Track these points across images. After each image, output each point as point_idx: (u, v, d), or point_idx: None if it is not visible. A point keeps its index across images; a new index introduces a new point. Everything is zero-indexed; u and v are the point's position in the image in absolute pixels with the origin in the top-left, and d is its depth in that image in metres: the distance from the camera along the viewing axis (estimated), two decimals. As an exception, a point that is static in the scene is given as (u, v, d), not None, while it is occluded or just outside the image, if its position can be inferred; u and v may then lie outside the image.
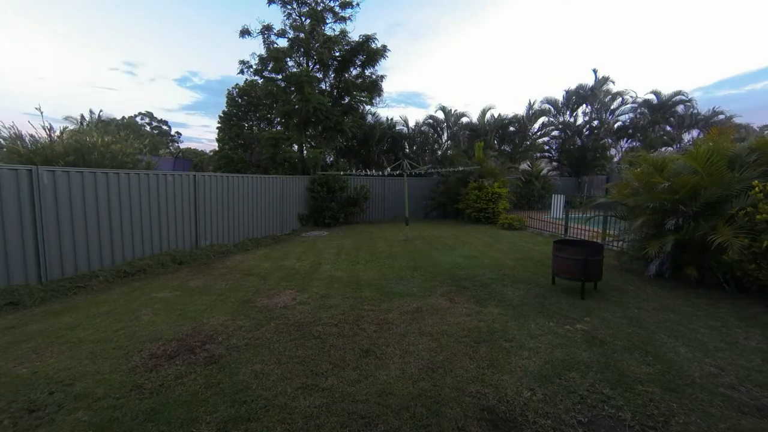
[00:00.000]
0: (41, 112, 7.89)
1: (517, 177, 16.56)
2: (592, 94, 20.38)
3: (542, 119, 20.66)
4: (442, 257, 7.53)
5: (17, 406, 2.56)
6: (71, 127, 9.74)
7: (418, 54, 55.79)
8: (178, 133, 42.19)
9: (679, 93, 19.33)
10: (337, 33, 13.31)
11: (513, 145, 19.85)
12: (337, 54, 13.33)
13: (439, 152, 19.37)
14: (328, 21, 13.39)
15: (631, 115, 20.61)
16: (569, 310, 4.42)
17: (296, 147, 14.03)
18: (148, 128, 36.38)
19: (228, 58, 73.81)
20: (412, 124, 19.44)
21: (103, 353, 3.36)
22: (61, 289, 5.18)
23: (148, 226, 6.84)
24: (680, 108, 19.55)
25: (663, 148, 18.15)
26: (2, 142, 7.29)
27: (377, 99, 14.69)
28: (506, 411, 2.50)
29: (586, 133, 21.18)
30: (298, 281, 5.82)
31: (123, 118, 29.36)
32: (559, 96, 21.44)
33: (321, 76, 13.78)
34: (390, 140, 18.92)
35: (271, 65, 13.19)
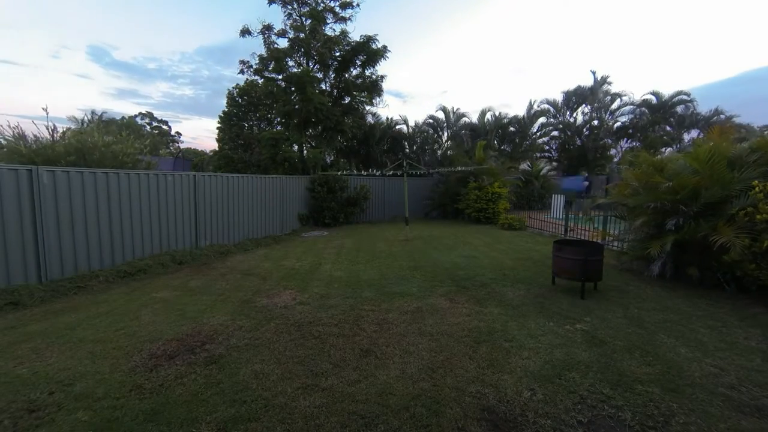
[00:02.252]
0: (47, 113, 7.90)
1: (517, 177, 16.56)
2: (592, 95, 20.40)
3: (542, 119, 20.68)
4: (442, 257, 7.53)
5: (17, 406, 2.56)
6: (73, 127, 9.77)
7: (396, 45, 55.30)
8: (178, 133, 42.25)
9: (679, 93, 19.34)
10: (337, 33, 13.32)
11: (513, 145, 19.85)
12: (338, 54, 13.33)
13: (440, 152, 19.38)
14: (328, 21, 13.40)
15: (631, 115, 20.62)
16: (569, 310, 4.41)
17: (296, 147, 14.03)
18: (148, 128, 36.43)
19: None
20: (412, 123, 19.47)
21: (103, 353, 3.36)
22: (61, 289, 5.18)
23: (148, 226, 6.84)
24: (680, 108, 19.56)
25: (663, 148, 18.16)
26: (3, 141, 7.30)
27: (377, 99, 14.71)
28: (506, 411, 2.50)
29: (586, 133, 21.19)
30: (298, 281, 5.82)
31: (123, 118, 29.40)
32: (559, 97, 21.50)
33: (321, 76, 13.78)
34: (390, 140, 18.93)
35: (271, 65, 13.19)
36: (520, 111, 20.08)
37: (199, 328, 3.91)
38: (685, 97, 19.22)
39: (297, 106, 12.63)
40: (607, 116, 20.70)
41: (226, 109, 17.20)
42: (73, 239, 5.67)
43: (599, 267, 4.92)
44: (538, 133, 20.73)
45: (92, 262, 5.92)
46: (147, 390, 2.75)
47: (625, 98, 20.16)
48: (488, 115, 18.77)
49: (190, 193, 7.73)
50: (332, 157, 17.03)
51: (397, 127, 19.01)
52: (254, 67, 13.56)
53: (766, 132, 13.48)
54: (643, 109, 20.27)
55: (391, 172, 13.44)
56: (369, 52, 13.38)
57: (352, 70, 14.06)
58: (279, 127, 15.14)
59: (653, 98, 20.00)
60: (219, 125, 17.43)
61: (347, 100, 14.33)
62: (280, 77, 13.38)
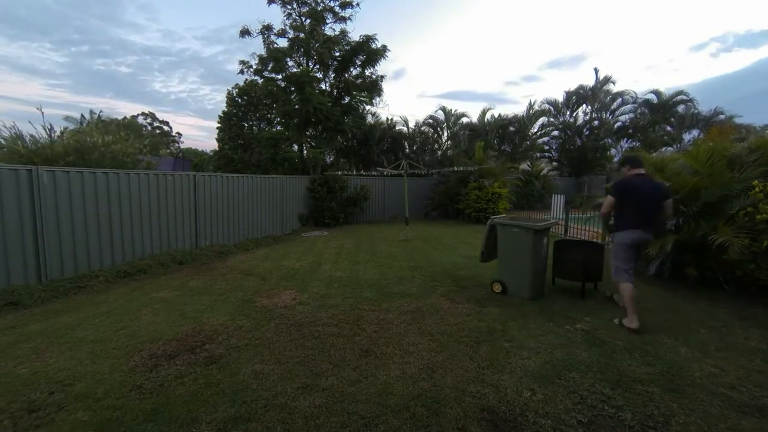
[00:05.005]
0: (42, 113, 7.90)
1: (517, 177, 16.56)
2: (593, 94, 20.39)
3: (542, 119, 20.69)
4: (442, 257, 7.53)
5: (17, 406, 2.56)
6: (72, 127, 9.77)
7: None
8: (178, 133, 42.25)
9: (680, 93, 19.33)
10: (337, 33, 13.31)
11: (513, 145, 19.84)
12: (337, 54, 13.32)
13: (439, 152, 19.38)
14: (328, 21, 13.38)
15: (632, 115, 20.62)
16: (569, 310, 4.41)
17: (296, 147, 14.01)
18: (148, 128, 36.43)
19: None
20: (412, 124, 19.47)
21: (103, 353, 3.36)
22: (61, 289, 5.18)
23: (148, 226, 6.84)
24: (681, 108, 19.54)
25: (663, 148, 18.17)
26: (2, 141, 7.30)
27: (377, 99, 14.70)
28: (506, 411, 2.50)
29: (586, 133, 21.19)
30: (298, 281, 5.82)
31: (124, 118, 29.39)
32: (559, 96, 21.52)
33: (321, 76, 13.77)
34: (390, 140, 18.92)
35: (271, 65, 13.19)
36: (520, 110, 20.21)
37: (199, 328, 3.91)
38: (685, 97, 19.22)
39: (297, 106, 12.62)
40: (607, 116, 20.69)
41: (225, 109, 17.22)
42: (73, 239, 5.66)
43: (599, 267, 4.92)
44: (538, 133, 20.73)
45: (92, 262, 5.92)
46: (147, 390, 2.75)
47: (626, 97, 20.17)
48: (488, 115, 18.78)
49: (190, 193, 7.72)
50: (332, 157, 17.02)
51: (397, 128, 19.01)
52: (254, 67, 13.58)
53: (766, 132, 13.47)
54: (644, 108, 20.27)
55: (386, 172, 13.44)
56: (369, 51, 13.36)
57: (351, 70, 14.05)
58: (279, 127, 15.12)
59: (653, 98, 20.00)
60: (219, 125, 17.46)
61: (347, 100, 14.32)
62: (280, 77, 13.37)
